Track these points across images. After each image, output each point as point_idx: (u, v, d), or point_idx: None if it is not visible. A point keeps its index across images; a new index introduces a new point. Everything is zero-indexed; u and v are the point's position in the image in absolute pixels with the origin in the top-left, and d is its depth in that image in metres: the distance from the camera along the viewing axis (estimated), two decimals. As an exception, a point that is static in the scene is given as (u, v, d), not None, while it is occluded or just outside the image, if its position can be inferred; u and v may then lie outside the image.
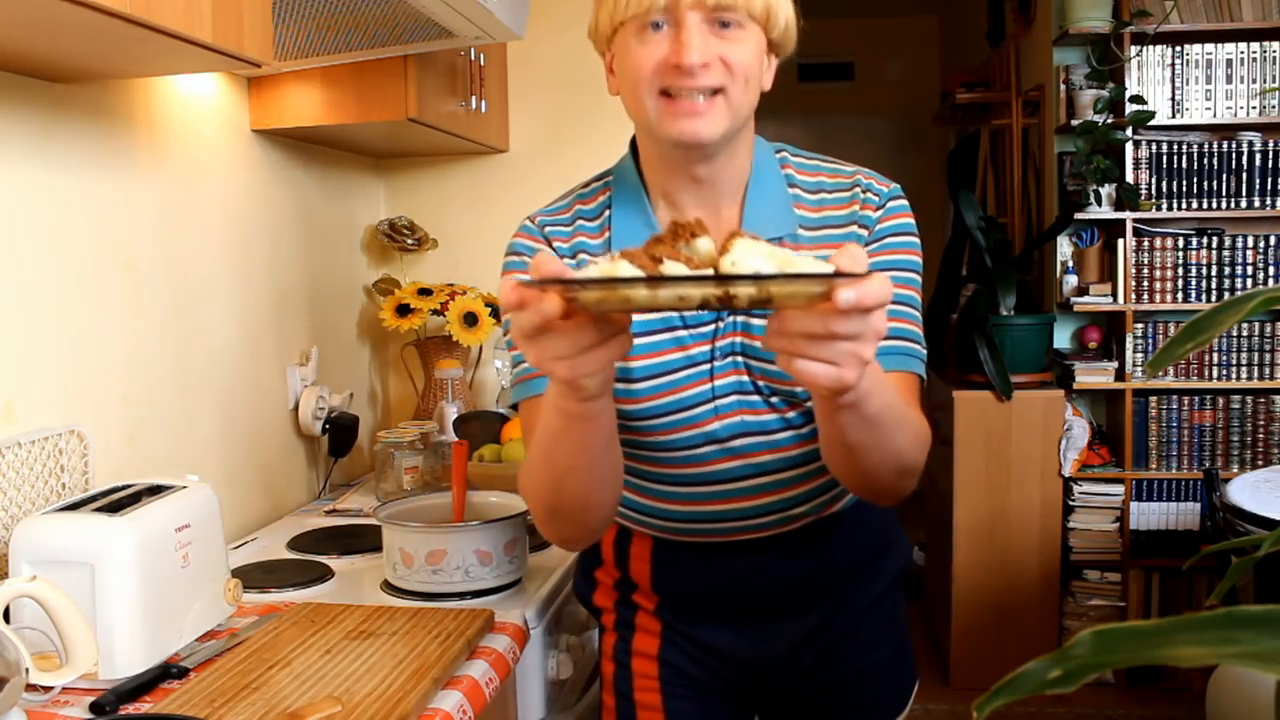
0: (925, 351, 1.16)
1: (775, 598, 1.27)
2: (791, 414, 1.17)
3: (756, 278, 0.75)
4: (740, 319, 1.14)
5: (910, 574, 1.40)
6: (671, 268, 0.77)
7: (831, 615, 1.29)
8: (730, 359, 1.16)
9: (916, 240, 1.18)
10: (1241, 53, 3.32)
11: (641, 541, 1.29)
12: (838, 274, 0.76)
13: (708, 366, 1.16)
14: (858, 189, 1.17)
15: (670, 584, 1.29)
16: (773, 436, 1.17)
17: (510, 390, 1.23)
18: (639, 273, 0.77)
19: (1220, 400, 3.39)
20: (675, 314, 1.14)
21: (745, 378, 1.16)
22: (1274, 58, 3.32)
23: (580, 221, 1.21)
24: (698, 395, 1.15)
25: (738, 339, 1.15)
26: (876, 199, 1.16)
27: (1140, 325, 3.40)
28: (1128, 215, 3.37)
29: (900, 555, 1.37)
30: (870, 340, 0.81)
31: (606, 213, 1.21)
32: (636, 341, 1.13)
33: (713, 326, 1.15)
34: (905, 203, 1.19)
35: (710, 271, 0.78)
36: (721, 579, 1.26)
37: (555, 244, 1.20)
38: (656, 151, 1.17)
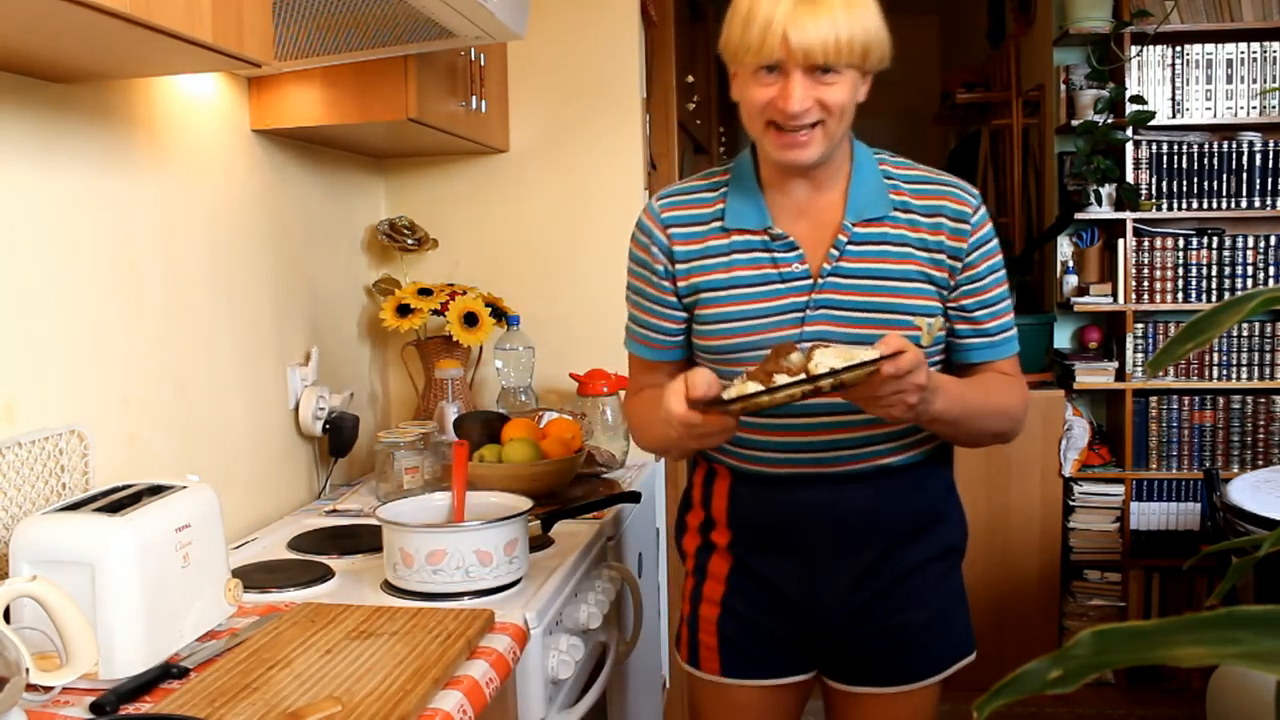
0: (1015, 329, 1.48)
1: (832, 534, 1.45)
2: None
3: (833, 372, 1.18)
4: (829, 283, 1.41)
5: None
6: (780, 379, 1.19)
7: (877, 567, 1.46)
8: (823, 311, 1.40)
9: (997, 242, 1.45)
10: (1241, 53, 3.32)
11: (723, 479, 1.52)
12: (881, 359, 1.18)
13: (800, 315, 1.41)
14: (946, 200, 1.42)
15: (741, 515, 1.50)
16: None
17: (626, 340, 1.58)
18: (761, 388, 1.19)
19: (1220, 400, 3.39)
20: (773, 270, 1.42)
21: (833, 328, 1.39)
22: (1274, 58, 3.32)
23: (688, 195, 1.48)
24: (784, 338, 1.39)
25: (833, 295, 1.40)
26: (966, 227, 1.41)
27: (1140, 325, 3.40)
28: (1128, 215, 3.37)
29: (950, 533, 1.52)
30: (910, 391, 1.22)
31: (723, 189, 1.46)
32: (734, 291, 1.43)
33: (810, 281, 1.41)
34: (985, 211, 1.44)
35: (803, 376, 1.18)
36: (786, 510, 1.46)
37: (672, 229, 1.46)
38: (768, 160, 1.42)
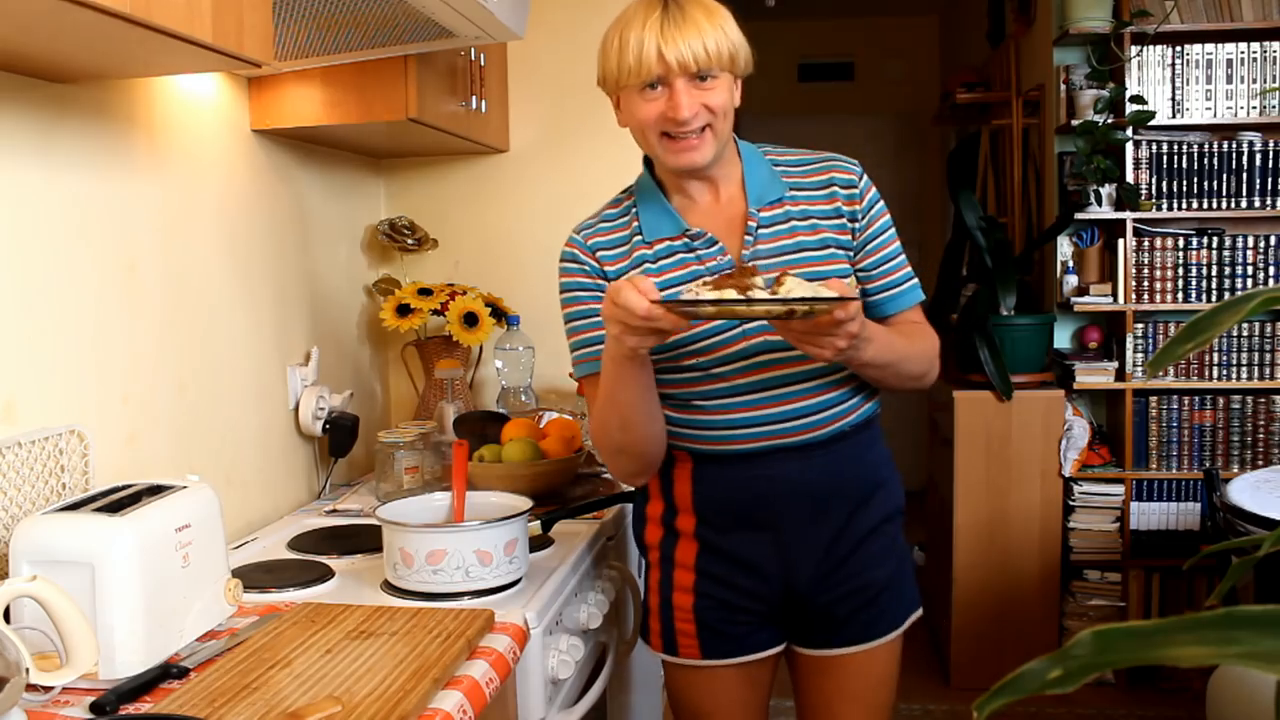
0: (916, 278, 1.60)
1: (800, 503, 1.53)
2: None
3: (807, 300, 1.27)
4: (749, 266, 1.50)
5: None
6: (756, 294, 1.27)
7: (841, 532, 1.56)
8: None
9: (884, 203, 1.58)
10: (1241, 53, 3.32)
11: (683, 465, 1.57)
12: (846, 298, 1.29)
13: None
14: (833, 173, 1.55)
15: (707, 496, 1.56)
16: (791, 352, 1.47)
17: (575, 367, 1.58)
18: (738, 297, 1.25)
19: (1220, 400, 3.39)
20: (700, 267, 1.51)
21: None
22: (1274, 58, 3.32)
23: (604, 224, 1.58)
24: (726, 324, 1.48)
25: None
26: (855, 191, 1.54)
27: (1140, 325, 3.40)
28: (1128, 215, 3.36)
29: (893, 496, 1.62)
30: (842, 337, 1.32)
31: (632, 210, 1.57)
32: (667, 292, 1.47)
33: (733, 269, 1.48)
34: (867, 177, 1.57)
35: (784, 298, 1.26)
36: (751, 486, 1.53)
37: (600, 253, 1.56)
38: (666, 169, 1.53)
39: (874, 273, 1.55)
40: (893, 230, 1.58)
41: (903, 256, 1.59)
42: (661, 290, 1.46)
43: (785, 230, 1.52)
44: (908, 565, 1.65)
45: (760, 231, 1.51)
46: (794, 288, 1.27)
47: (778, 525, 1.54)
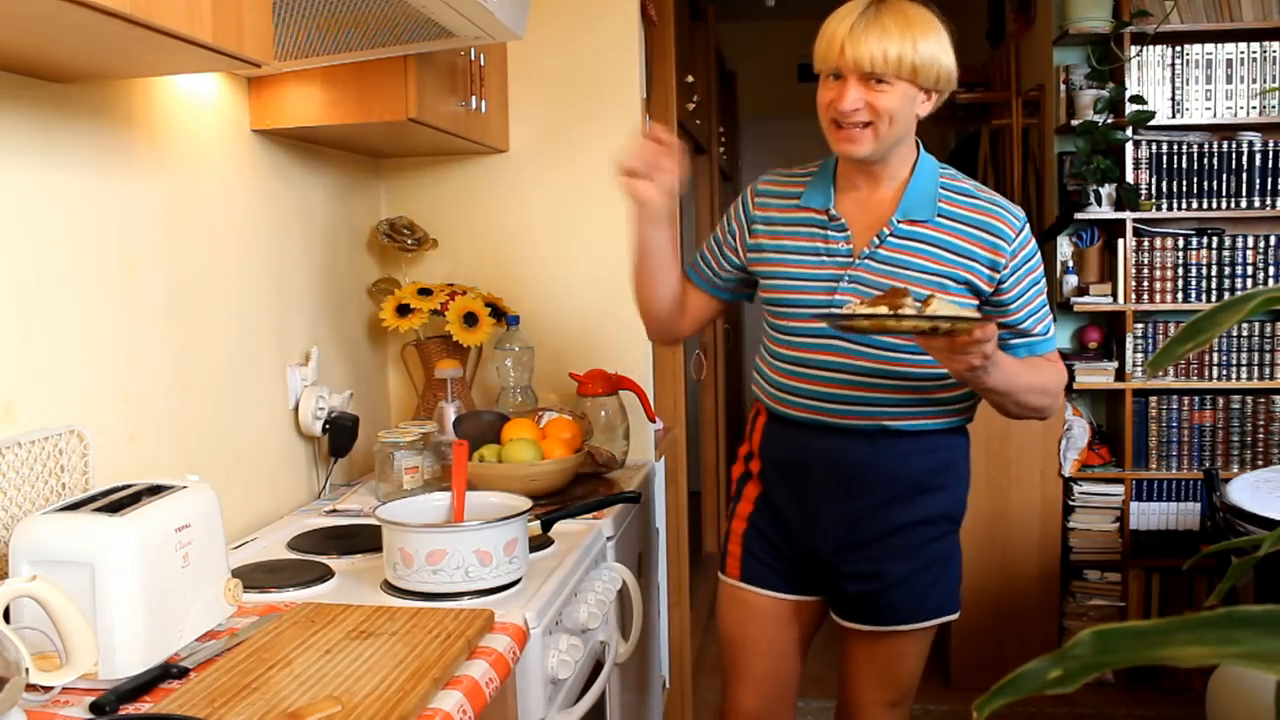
0: (1054, 333, 1.74)
1: (827, 478, 1.71)
2: (879, 338, 1.64)
3: (949, 318, 1.45)
4: (864, 264, 1.68)
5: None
6: (906, 311, 1.46)
7: (866, 518, 1.71)
8: (854, 286, 1.68)
9: (1039, 257, 1.70)
10: (1241, 53, 3.32)
11: (763, 416, 1.83)
12: (985, 319, 1.48)
13: (834, 284, 1.70)
14: (993, 219, 1.66)
15: (767, 449, 1.81)
16: (858, 348, 1.67)
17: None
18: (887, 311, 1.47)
19: (1220, 400, 3.39)
20: (822, 245, 1.71)
21: (859, 300, 1.62)
22: (1274, 58, 3.32)
23: (784, 177, 1.81)
24: (816, 301, 1.69)
25: (865, 275, 1.67)
26: (1009, 246, 1.65)
27: (1140, 325, 3.40)
28: (1128, 215, 3.37)
29: (946, 502, 1.74)
30: (976, 355, 1.48)
31: (807, 180, 1.77)
32: (786, 255, 1.75)
33: (850, 260, 1.69)
34: (1028, 231, 1.68)
35: (929, 315, 1.45)
36: (797, 451, 1.74)
37: (761, 199, 1.81)
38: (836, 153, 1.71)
39: (1015, 322, 1.68)
40: (1041, 285, 1.70)
41: (1045, 309, 1.72)
42: (784, 253, 1.74)
43: (911, 248, 1.65)
44: (945, 569, 1.76)
45: (889, 239, 1.66)
46: (939, 307, 1.45)
47: (809, 493, 1.74)
